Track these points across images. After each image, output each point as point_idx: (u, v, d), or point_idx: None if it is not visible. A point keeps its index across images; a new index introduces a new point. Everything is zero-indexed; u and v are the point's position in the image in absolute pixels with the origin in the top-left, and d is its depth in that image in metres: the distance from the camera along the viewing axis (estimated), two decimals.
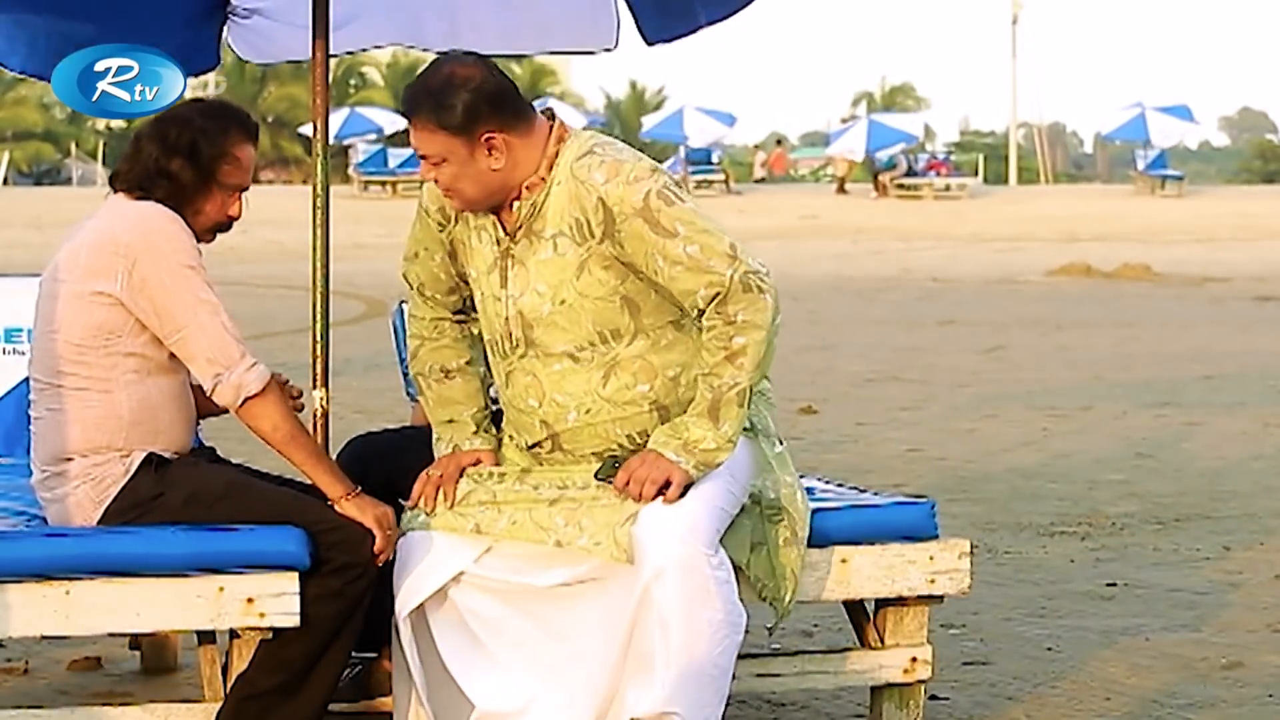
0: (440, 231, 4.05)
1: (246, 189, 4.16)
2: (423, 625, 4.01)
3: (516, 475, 4.03)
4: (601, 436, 3.94)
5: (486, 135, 3.82)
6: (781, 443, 4.14)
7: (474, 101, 3.81)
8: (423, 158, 3.89)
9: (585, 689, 3.88)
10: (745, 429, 3.97)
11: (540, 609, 3.93)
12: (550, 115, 3.97)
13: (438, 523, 3.98)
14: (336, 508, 3.93)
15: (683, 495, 3.81)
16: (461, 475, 4.05)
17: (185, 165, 4.05)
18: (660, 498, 3.80)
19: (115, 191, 4.11)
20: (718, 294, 3.82)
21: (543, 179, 3.88)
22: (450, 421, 4.15)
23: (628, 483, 3.84)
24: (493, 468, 4.06)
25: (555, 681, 3.91)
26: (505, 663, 3.94)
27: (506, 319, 3.94)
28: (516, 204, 3.90)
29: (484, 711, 3.92)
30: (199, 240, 4.06)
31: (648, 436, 3.92)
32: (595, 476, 3.92)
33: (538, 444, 4.01)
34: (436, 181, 3.90)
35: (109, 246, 3.96)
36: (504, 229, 3.94)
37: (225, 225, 4.16)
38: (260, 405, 3.95)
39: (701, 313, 3.85)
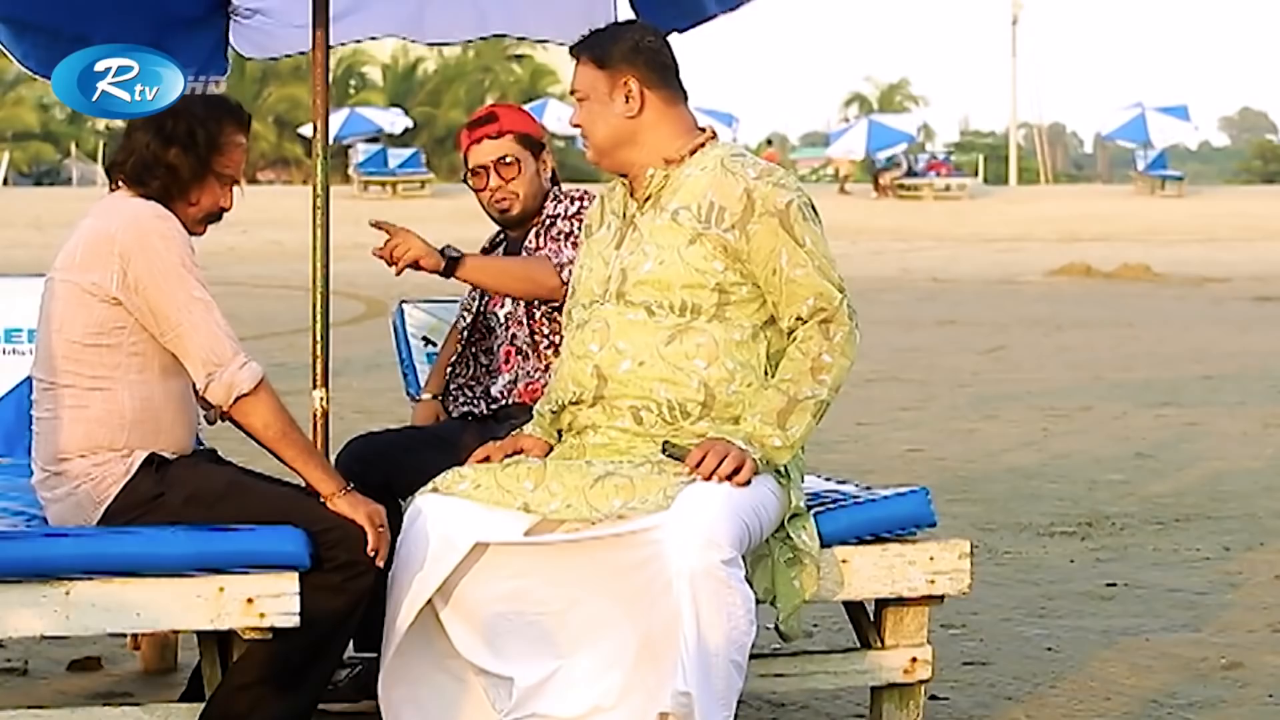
0: (587, 241, 4.28)
1: (239, 181, 4.19)
2: (422, 631, 4.02)
3: (566, 452, 4.10)
4: (644, 392, 4.01)
5: (626, 80, 4.09)
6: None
7: (628, 50, 4.12)
8: (575, 95, 4.19)
9: (610, 659, 3.89)
10: (779, 475, 4.01)
11: (561, 584, 3.93)
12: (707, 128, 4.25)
13: (483, 496, 3.99)
14: (328, 504, 3.94)
15: (746, 484, 3.88)
16: (515, 454, 4.16)
17: (182, 155, 4.07)
18: (729, 481, 3.85)
19: (114, 181, 4.12)
20: (824, 310, 4.02)
21: (682, 159, 4.12)
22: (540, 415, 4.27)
23: (699, 461, 3.87)
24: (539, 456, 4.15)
25: (580, 650, 3.92)
26: (529, 635, 3.96)
27: (609, 277, 4.11)
28: (651, 172, 4.10)
29: (521, 686, 3.93)
30: (191, 232, 4.08)
31: (684, 411, 4.00)
32: (662, 452, 3.96)
33: (578, 401, 4.07)
34: (578, 127, 4.16)
35: (104, 245, 3.97)
36: (633, 200, 4.16)
37: (217, 216, 4.19)
38: (252, 403, 3.96)
39: (800, 322, 4.02)
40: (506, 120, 4.96)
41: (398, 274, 4.65)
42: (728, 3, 5.25)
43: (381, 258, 4.60)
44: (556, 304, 4.74)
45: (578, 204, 4.87)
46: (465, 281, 4.76)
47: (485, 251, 5.11)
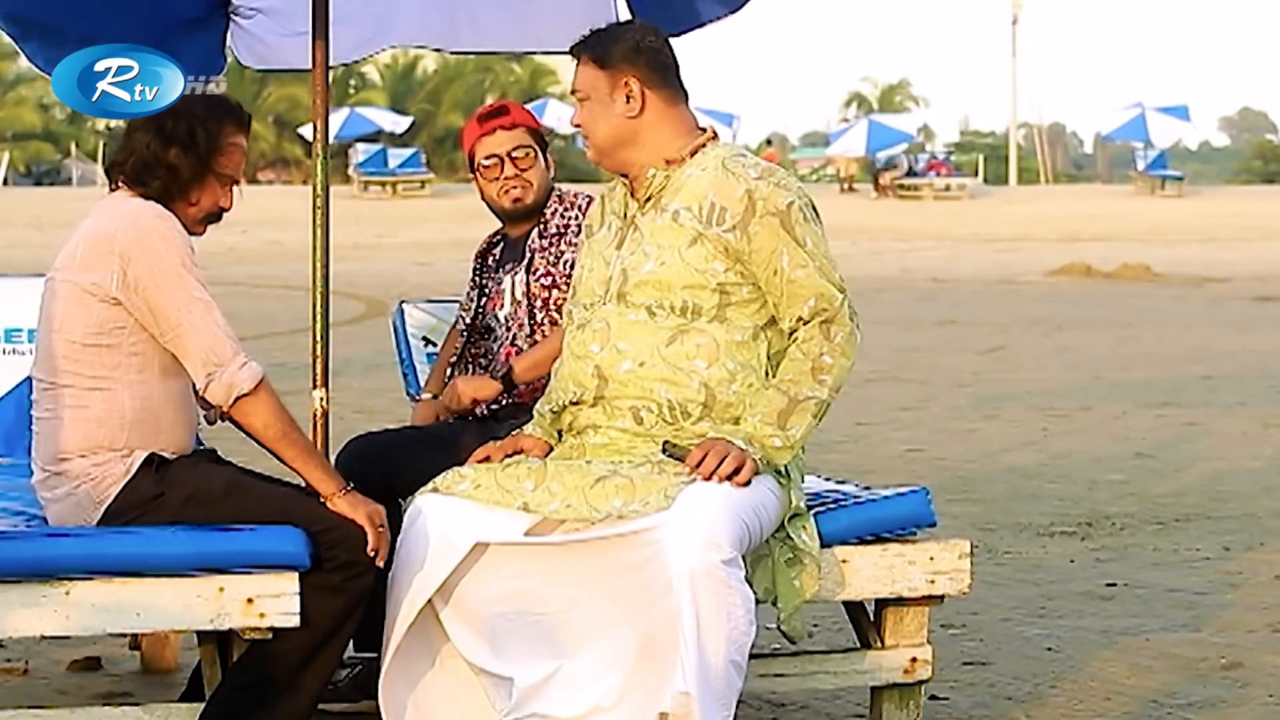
0: (588, 241, 4.28)
1: (239, 181, 4.20)
2: (422, 631, 4.02)
3: (567, 452, 4.10)
4: (645, 392, 4.01)
5: (627, 80, 4.10)
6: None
7: (628, 50, 4.13)
8: (575, 95, 4.20)
9: (610, 659, 3.88)
10: (779, 476, 4.01)
11: (561, 584, 3.93)
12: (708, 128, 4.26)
13: (483, 496, 3.99)
14: (328, 505, 3.94)
15: (746, 484, 3.87)
16: (515, 454, 4.16)
17: (182, 155, 4.08)
18: (729, 481, 3.84)
19: (114, 181, 4.13)
20: (825, 310, 4.02)
21: (683, 159, 4.12)
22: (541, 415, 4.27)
23: (700, 461, 3.87)
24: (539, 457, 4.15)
25: (580, 651, 3.92)
26: (529, 635, 3.95)
27: (609, 277, 4.12)
28: (652, 172, 4.11)
29: (522, 686, 3.93)
30: (191, 232, 4.09)
31: (685, 412, 4.00)
32: (662, 452, 3.96)
33: (578, 402, 4.08)
34: (579, 127, 4.18)
35: (104, 245, 3.97)
36: (634, 200, 4.16)
37: (216, 216, 4.19)
38: (252, 403, 3.96)
39: (801, 323, 4.02)
40: (518, 114, 5.01)
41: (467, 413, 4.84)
42: (720, 9, 5.25)
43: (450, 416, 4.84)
44: (557, 305, 4.76)
45: (583, 213, 4.88)
46: (525, 383, 4.77)
47: (483, 252, 5.12)
